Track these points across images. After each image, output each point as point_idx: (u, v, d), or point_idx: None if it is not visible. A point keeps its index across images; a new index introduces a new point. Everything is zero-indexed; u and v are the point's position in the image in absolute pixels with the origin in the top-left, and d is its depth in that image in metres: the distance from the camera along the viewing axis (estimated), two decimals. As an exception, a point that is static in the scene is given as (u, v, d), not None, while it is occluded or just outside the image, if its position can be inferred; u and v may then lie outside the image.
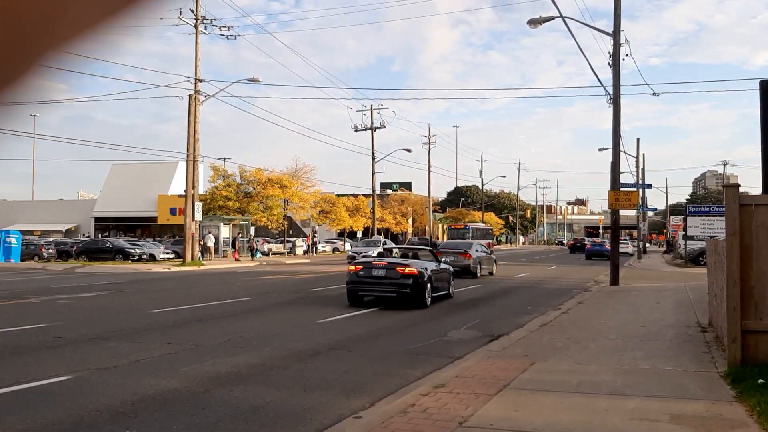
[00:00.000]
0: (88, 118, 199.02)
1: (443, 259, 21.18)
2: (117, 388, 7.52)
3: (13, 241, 40.63)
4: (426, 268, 17.13)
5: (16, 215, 73.90)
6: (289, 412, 6.64)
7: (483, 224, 77.15)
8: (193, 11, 34.23)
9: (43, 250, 43.18)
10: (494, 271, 30.42)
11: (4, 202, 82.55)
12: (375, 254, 34.08)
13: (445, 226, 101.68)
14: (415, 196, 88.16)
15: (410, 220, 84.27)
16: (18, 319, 13.26)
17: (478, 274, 27.88)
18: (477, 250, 28.99)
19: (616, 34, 23.11)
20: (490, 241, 72.97)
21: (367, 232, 67.71)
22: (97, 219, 71.68)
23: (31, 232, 60.80)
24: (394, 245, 43.70)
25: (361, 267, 17.11)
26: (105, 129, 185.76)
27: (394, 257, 19.21)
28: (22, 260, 40.12)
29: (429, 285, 16.87)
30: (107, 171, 74.87)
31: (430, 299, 16.90)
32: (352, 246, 50.75)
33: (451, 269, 20.07)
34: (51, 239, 50.53)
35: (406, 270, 16.55)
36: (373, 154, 59.42)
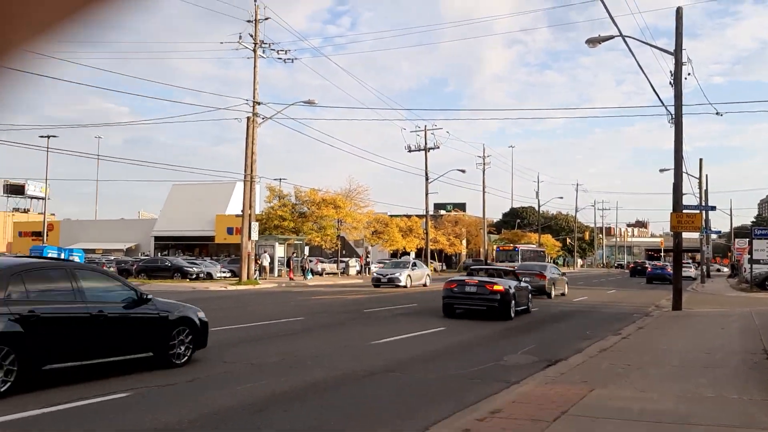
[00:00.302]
0: (149, 139, 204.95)
1: (524, 280, 23.26)
2: (174, 405, 7.62)
3: (76, 259, 41.91)
4: (510, 286, 19.63)
5: (79, 234, 76.43)
6: (344, 434, 6.61)
7: (534, 246, 75.14)
8: (252, 36, 35.02)
9: (105, 268, 44.44)
10: (566, 292, 32.01)
11: (68, 221, 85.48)
12: (402, 276, 36.19)
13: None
14: (469, 217, 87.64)
15: (464, 242, 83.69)
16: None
17: (552, 295, 29.32)
18: (551, 272, 31.07)
19: (677, 52, 22.62)
20: (543, 262, 72.10)
21: (420, 252, 67.53)
22: (156, 238, 73.51)
23: (93, 251, 62.75)
24: (424, 266, 43.32)
25: (455, 284, 19.87)
26: (166, 150, 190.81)
27: (482, 276, 21.14)
28: (85, 278, 41.34)
29: (513, 300, 19.42)
30: (167, 191, 76.94)
31: (513, 313, 19.25)
32: (378, 268, 45.11)
33: (530, 287, 22.53)
34: (112, 258, 52.05)
35: (494, 287, 19.09)
36: (426, 174, 59.41)
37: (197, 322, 10.92)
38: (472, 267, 27.86)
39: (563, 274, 35.35)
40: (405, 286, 35.71)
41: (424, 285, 38.35)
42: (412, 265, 39.67)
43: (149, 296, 10.31)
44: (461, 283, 19.82)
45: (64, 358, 8.76)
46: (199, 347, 10.91)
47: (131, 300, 9.88)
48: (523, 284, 21.59)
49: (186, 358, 10.46)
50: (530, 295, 21.99)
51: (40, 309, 8.41)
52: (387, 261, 51.26)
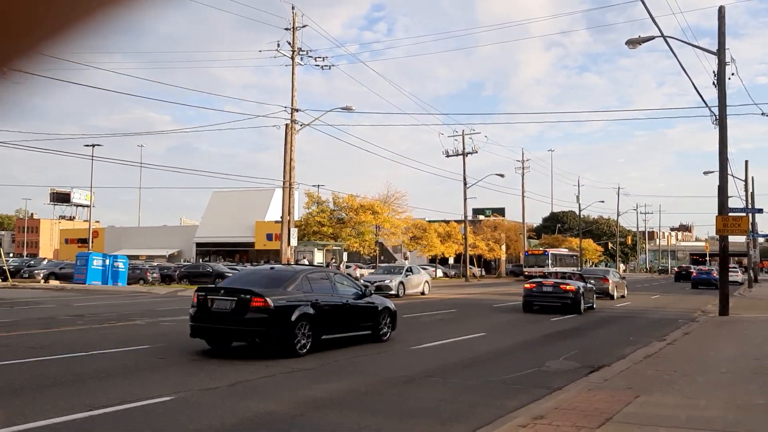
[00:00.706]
0: (190, 147, 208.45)
1: (589, 282, 26.50)
2: (217, 409, 7.69)
3: (121, 265, 42.70)
4: (579, 287, 23.78)
5: (123, 241, 77.97)
6: (385, 439, 6.58)
7: (566, 250, 74.36)
8: (290, 43, 35.34)
9: (148, 274, 45.17)
10: (626, 294, 34.82)
11: (112, 228, 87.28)
12: (393, 283, 31.78)
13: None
14: (508, 222, 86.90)
15: (503, 247, 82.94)
16: (125, 340, 13.85)
17: (615, 296, 32.40)
18: (613, 276, 34.55)
19: (720, 52, 22.14)
20: (575, 268, 69.94)
21: (459, 258, 67.20)
22: (198, 244, 74.61)
23: (136, 257, 63.88)
24: (422, 270, 38.40)
25: (534, 285, 24.27)
26: (206, 158, 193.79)
27: (557, 279, 25.20)
28: (128, 284, 42.10)
29: (582, 298, 23.51)
30: (208, 198, 78.03)
31: (583, 309, 23.30)
32: (369, 273, 40.12)
33: (594, 289, 26.59)
34: (155, 264, 52.84)
35: (567, 287, 23.55)
36: (464, 179, 59.17)
37: (393, 310, 14.96)
38: (548, 272, 36.78)
39: (623, 278, 38.27)
40: (397, 295, 30.72)
41: (422, 293, 34.22)
42: (407, 271, 34.41)
43: (370, 292, 14.76)
44: (539, 285, 24.20)
45: (330, 332, 13.01)
46: (393, 330, 14.87)
47: (359, 294, 14.17)
48: (589, 286, 25.46)
49: (387, 336, 14.50)
50: (594, 296, 26.01)
51: (320, 299, 12.76)
52: (382, 265, 43.22)
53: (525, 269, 63.25)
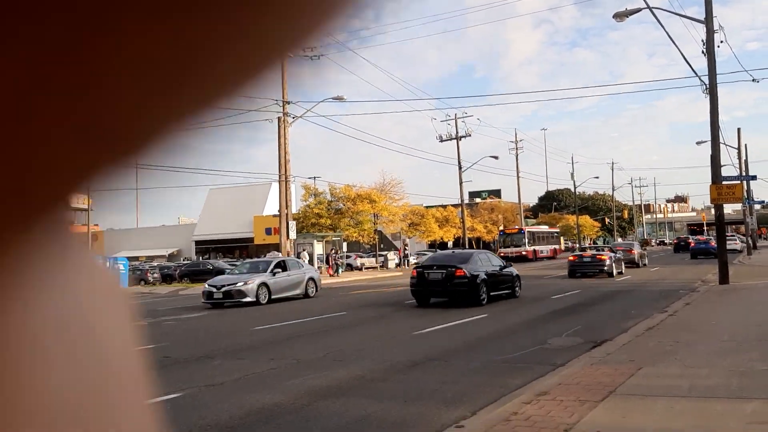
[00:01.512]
0: (184, 146, 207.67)
1: (618, 253, 33.57)
2: (224, 404, 7.75)
3: (121, 267, 42.70)
4: (611, 257, 31.13)
5: (122, 243, 77.87)
6: (391, 423, 6.65)
7: (546, 227, 70.96)
8: (277, 36, 35.25)
9: (149, 274, 45.28)
10: (647, 263, 40.77)
11: (111, 230, 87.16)
12: (250, 287, 22.61)
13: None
14: (505, 203, 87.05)
15: (501, 228, 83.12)
16: (129, 341, 13.88)
17: (640, 264, 38.57)
18: (637, 248, 41.14)
19: (708, 20, 22.12)
20: (556, 246, 65.75)
21: (458, 242, 67.32)
22: (197, 242, 74.64)
23: (136, 258, 63.88)
24: (305, 264, 28.99)
25: (576, 257, 32.12)
26: (201, 155, 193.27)
27: (593, 251, 33.00)
28: (129, 285, 42.19)
29: (614, 265, 30.90)
30: (205, 196, 77.95)
31: (615, 273, 30.52)
32: (227, 272, 29.72)
33: (622, 257, 33.82)
34: (155, 264, 52.95)
35: (602, 257, 30.96)
36: (459, 163, 59.12)
37: (517, 275, 21.73)
38: (583, 246, 46.42)
39: (644, 248, 48.44)
40: (256, 302, 22.35)
41: (304, 295, 24.66)
42: (275, 267, 24.22)
43: (510, 264, 21.91)
44: (580, 257, 32.05)
45: (494, 291, 19.84)
46: (520, 289, 21.63)
47: (502, 267, 20.93)
48: (618, 256, 32.66)
49: (518, 295, 21.21)
50: (623, 264, 33.17)
51: (487, 270, 19.93)
52: (248, 261, 31.04)
53: (500, 250, 57.33)
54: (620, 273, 31.61)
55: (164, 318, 19.26)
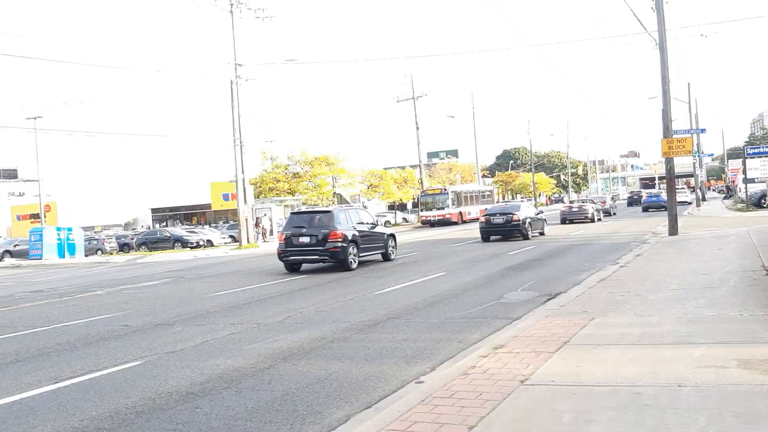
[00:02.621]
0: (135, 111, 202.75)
1: (597, 204, 43.07)
2: (185, 370, 7.75)
3: (76, 237, 41.97)
4: (593, 207, 40.04)
5: (77, 213, 76.23)
6: (353, 382, 6.75)
7: (476, 186, 64.19)
8: (226, -4, 34.42)
9: (105, 244, 44.57)
10: (616, 213, 50.63)
11: (64, 200, 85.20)
12: None
13: (496, 191, 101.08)
14: (462, 163, 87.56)
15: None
16: (86, 311, 13.74)
17: (611, 213, 47.04)
18: (609, 202, 51.74)
19: (657, -25, 22.30)
20: (486, 207, 57.83)
21: (417, 203, 67.58)
22: (153, 210, 73.52)
23: (92, 228, 62.69)
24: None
25: (567, 207, 41.29)
26: (151, 120, 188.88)
27: (580, 204, 42.16)
28: (86, 255, 41.49)
29: (596, 213, 39.62)
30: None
31: (598, 219, 39.74)
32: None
33: (601, 209, 43.00)
34: (111, 233, 52.07)
35: (586, 207, 39.76)
36: (416, 123, 59.09)
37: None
38: (572, 200, 54.48)
39: (614, 201, 58.80)
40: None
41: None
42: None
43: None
44: (570, 207, 41.15)
45: (535, 231, 28.89)
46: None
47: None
48: (598, 206, 41.71)
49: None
50: (601, 213, 41.44)
51: (532, 215, 29.45)
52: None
53: (421, 213, 53.75)
54: (599, 219, 39.87)
55: (123, 287, 19.04)
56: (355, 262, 19.12)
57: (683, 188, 68.66)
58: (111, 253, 43.14)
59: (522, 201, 56.03)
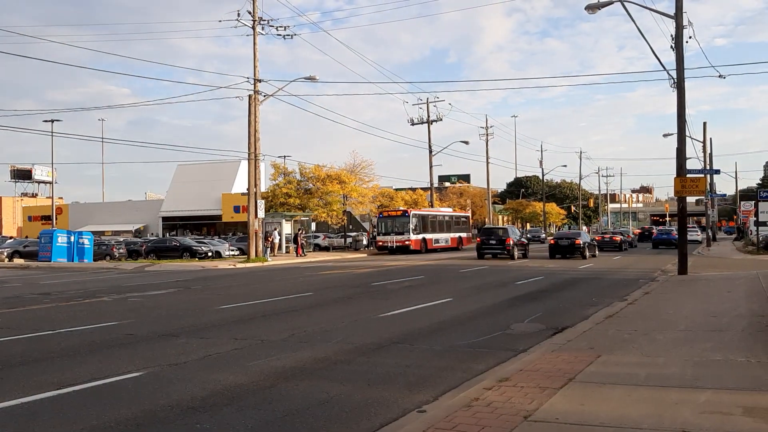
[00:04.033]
0: (152, 120, 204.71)
1: (593, 239, 44.55)
2: (187, 383, 7.74)
3: (86, 242, 42.17)
4: (621, 238, 48.74)
5: (88, 217, 76.70)
6: (354, 406, 6.72)
7: (448, 210, 58.47)
8: (250, 12, 34.78)
9: (114, 250, 44.69)
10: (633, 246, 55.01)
11: (76, 204, 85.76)
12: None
13: (506, 218, 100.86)
14: (473, 188, 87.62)
15: (469, 213, 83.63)
16: (92, 318, 13.77)
17: (622, 248, 48.88)
18: (622, 235, 52.53)
19: (678, 15, 22.40)
20: (463, 234, 54.72)
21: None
22: (164, 218, 73.81)
23: (102, 233, 63.02)
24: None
25: (600, 237, 48.68)
26: (169, 131, 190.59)
27: (611, 235, 50.88)
28: (94, 260, 41.63)
29: (623, 244, 48.40)
30: (173, 171, 77.00)
31: (626, 247, 49.03)
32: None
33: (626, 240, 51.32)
34: (121, 239, 52.27)
35: (616, 237, 49.15)
36: (430, 147, 59.29)
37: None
38: (605, 230, 65.54)
39: (628, 236, 58.41)
40: None
41: None
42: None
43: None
44: (603, 237, 48.47)
45: (597, 252, 41.09)
46: None
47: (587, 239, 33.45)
48: (624, 238, 49.79)
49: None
50: (627, 243, 50.06)
51: (590, 240, 41.21)
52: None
53: (378, 238, 48.41)
54: (626, 249, 48.24)
55: (129, 295, 19.08)
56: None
57: (694, 227, 68.49)
58: (120, 260, 43.27)
59: (581, 230, 60.75)
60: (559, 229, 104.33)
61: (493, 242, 37.28)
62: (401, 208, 52.19)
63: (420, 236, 47.13)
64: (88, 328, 12.26)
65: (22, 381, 7.89)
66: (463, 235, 54.56)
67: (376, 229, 49.21)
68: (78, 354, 9.70)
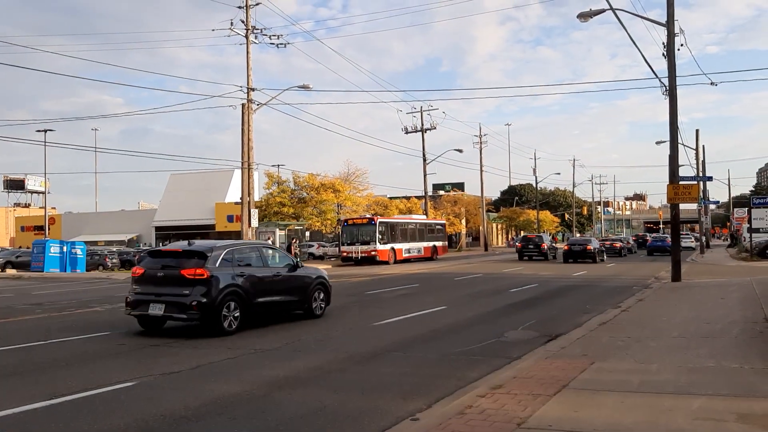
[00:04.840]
0: (145, 130, 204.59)
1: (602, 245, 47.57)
2: (180, 393, 7.70)
3: (79, 252, 41.96)
4: (622, 245, 53.22)
5: (81, 227, 76.47)
6: (348, 415, 6.69)
7: (421, 218, 54.38)
8: (243, 22, 34.82)
9: (107, 260, 44.47)
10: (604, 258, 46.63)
11: (69, 214, 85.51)
12: None
13: (500, 226, 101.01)
14: (468, 196, 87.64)
15: (463, 221, 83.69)
16: (84, 328, 13.70)
17: (622, 254, 52.09)
18: (623, 242, 56.72)
19: (669, 23, 22.52)
20: (438, 243, 51.11)
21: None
22: (157, 228, 73.59)
23: (95, 243, 62.75)
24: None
25: (608, 242, 53.17)
26: (162, 140, 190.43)
27: (609, 241, 55.48)
28: (87, 270, 41.42)
29: (625, 249, 52.84)
30: (166, 181, 76.90)
31: (626, 253, 53.32)
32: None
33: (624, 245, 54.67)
34: (114, 249, 52.04)
35: (616, 244, 52.98)
36: (424, 155, 59.33)
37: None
38: (606, 237, 69.65)
39: (627, 243, 59.66)
40: None
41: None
42: None
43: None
44: (604, 243, 49.09)
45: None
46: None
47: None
48: (624, 245, 53.37)
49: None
50: (626, 249, 53.04)
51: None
52: None
53: (342, 248, 44.96)
54: (625, 255, 52.21)
55: (122, 305, 18.93)
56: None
57: (687, 234, 68.82)
58: (113, 269, 43.09)
59: (591, 237, 61.02)
60: (553, 237, 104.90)
61: (531, 246, 46.38)
62: (367, 216, 48.22)
63: (388, 246, 44.11)
64: (80, 338, 12.19)
65: (14, 391, 7.84)
66: (438, 244, 51.50)
67: (340, 239, 45.71)
68: (70, 364, 9.65)
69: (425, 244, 49.03)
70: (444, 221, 58.83)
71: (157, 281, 12.42)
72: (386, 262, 43.05)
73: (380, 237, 43.14)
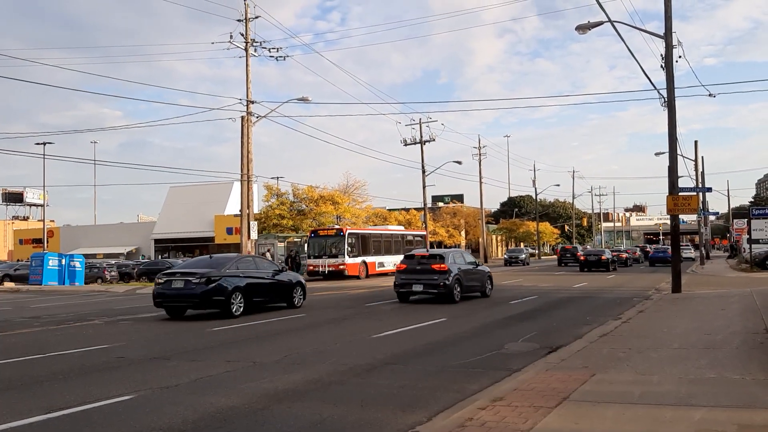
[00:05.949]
0: (144, 142, 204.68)
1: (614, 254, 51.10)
2: (178, 406, 7.65)
3: (77, 264, 41.90)
4: (626, 255, 57.14)
5: (79, 239, 76.39)
6: (347, 428, 6.64)
7: (399, 228, 52.08)
8: (243, 35, 34.96)
9: (106, 272, 44.42)
10: (617, 267, 50.41)
11: (68, 227, 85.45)
12: None
13: (499, 238, 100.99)
14: (467, 208, 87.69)
15: (463, 233, 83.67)
16: (82, 341, 13.65)
17: (609, 267, 47.11)
18: (628, 252, 61.75)
19: (667, 35, 22.61)
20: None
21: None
22: (156, 241, 73.53)
23: (93, 256, 62.68)
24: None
25: (584, 257, 46.73)
26: (161, 153, 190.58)
27: (616, 253, 53.80)
28: (86, 283, 41.34)
29: (628, 260, 56.55)
30: (165, 194, 76.92)
31: (631, 264, 57.33)
32: None
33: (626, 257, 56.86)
34: (113, 262, 51.96)
35: (622, 255, 56.18)
36: (423, 167, 59.39)
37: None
38: (613, 249, 67.57)
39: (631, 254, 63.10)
40: None
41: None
42: None
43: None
44: (587, 255, 47.30)
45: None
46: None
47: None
48: (626, 256, 55.20)
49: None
50: (631, 260, 58.24)
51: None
52: None
53: (309, 261, 41.88)
54: (631, 265, 55.70)
55: (120, 318, 18.94)
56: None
57: (687, 245, 68.86)
58: (111, 282, 43.01)
59: (605, 247, 67.23)
60: (553, 248, 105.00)
61: (569, 255, 57.91)
62: (335, 226, 45.47)
63: (358, 259, 41.18)
64: (78, 352, 12.14)
65: (11, 405, 7.79)
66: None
67: (308, 252, 42.86)
68: (68, 377, 9.60)
69: (401, 257, 46.31)
70: (424, 232, 55.57)
71: (417, 272, 21.56)
72: (357, 277, 40.53)
73: (350, 249, 40.43)
